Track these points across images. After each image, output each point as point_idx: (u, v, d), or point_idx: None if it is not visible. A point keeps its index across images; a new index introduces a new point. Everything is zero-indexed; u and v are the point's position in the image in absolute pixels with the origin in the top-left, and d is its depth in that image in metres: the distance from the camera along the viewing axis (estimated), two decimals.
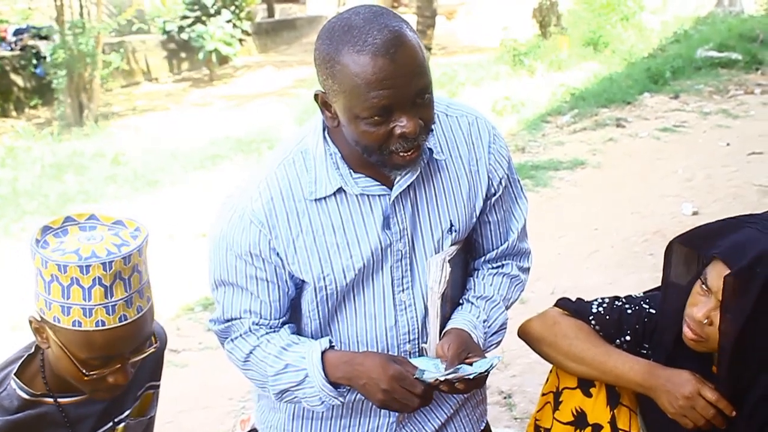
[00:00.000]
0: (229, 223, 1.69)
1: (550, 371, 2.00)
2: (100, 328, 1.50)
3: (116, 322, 1.51)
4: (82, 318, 1.49)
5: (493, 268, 1.89)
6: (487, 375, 1.63)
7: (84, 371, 1.55)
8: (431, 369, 1.62)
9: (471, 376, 1.58)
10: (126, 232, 1.59)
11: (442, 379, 1.58)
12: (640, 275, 4.69)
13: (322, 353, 1.67)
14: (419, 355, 1.77)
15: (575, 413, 1.89)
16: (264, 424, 1.98)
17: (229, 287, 1.74)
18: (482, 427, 2.04)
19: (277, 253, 1.66)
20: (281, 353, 1.71)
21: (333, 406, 1.81)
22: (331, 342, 1.72)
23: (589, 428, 1.88)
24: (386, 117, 1.50)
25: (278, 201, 1.65)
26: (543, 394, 2.01)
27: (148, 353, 1.64)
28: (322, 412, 1.84)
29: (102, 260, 1.48)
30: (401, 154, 1.54)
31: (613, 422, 1.87)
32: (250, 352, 1.75)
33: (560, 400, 1.92)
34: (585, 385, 1.90)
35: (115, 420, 1.79)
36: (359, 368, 1.63)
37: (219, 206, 1.75)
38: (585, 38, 13.94)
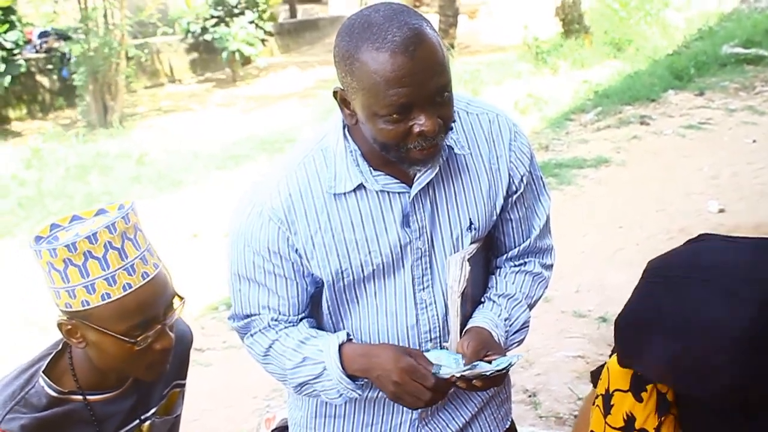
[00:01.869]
0: (248, 219, 1.68)
1: (594, 375, 1.96)
2: (129, 291, 1.55)
3: (141, 280, 1.56)
4: (109, 288, 1.53)
5: (515, 266, 1.87)
6: (505, 373, 1.62)
7: (131, 340, 1.57)
8: (451, 364, 1.61)
9: (488, 373, 1.57)
10: (111, 214, 1.62)
11: (458, 375, 1.57)
12: None
13: (340, 346, 1.67)
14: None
15: (626, 418, 1.86)
16: (291, 421, 1.99)
17: (246, 282, 1.74)
18: (507, 426, 2.02)
19: (296, 250, 1.66)
20: (299, 346, 1.71)
21: (354, 403, 1.81)
22: (348, 335, 1.71)
23: None
24: (405, 115, 1.49)
25: (297, 197, 1.65)
26: (593, 402, 1.97)
27: (180, 310, 1.67)
28: (344, 410, 1.84)
29: (105, 224, 1.52)
30: (419, 149, 1.53)
31: (658, 429, 1.84)
32: (269, 347, 1.75)
33: (611, 403, 1.88)
34: (637, 389, 1.86)
35: (142, 418, 1.80)
36: (374, 360, 1.63)
37: (237, 201, 1.76)
38: (608, 38, 13.83)
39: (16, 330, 5.31)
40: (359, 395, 1.71)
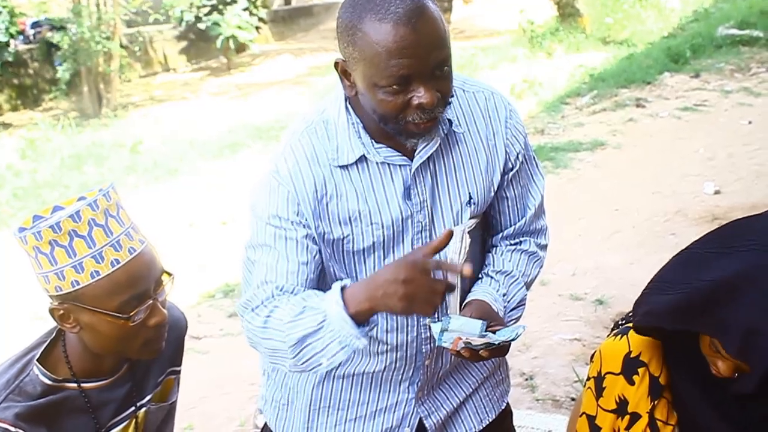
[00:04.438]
0: (261, 189, 1.70)
1: (592, 358, 1.95)
2: (117, 266, 1.55)
3: (128, 255, 1.57)
4: (97, 266, 1.53)
5: (511, 244, 1.88)
6: (509, 344, 1.62)
7: (125, 316, 1.57)
8: (459, 327, 1.58)
9: (496, 343, 1.56)
10: (92, 196, 1.59)
11: (464, 340, 1.55)
12: (661, 255, 4.63)
13: (342, 288, 1.56)
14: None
15: (618, 401, 1.86)
16: (264, 398, 1.97)
17: (259, 249, 1.70)
18: (503, 407, 2.03)
19: (304, 216, 1.67)
20: (300, 302, 1.62)
21: (351, 381, 1.81)
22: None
23: (628, 417, 1.85)
24: (405, 87, 1.50)
25: (304, 164, 1.66)
26: (584, 384, 1.97)
27: (170, 286, 1.67)
28: (341, 386, 1.83)
29: (87, 202, 1.53)
30: (417, 122, 1.54)
31: (651, 412, 1.84)
32: (270, 314, 1.65)
33: (603, 386, 1.88)
34: (628, 371, 1.85)
35: (137, 405, 1.80)
36: (376, 279, 1.53)
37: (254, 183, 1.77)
38: (603, 22, 13.80)
39: (11, 320, 5.31)
40: (363, 345, 1.57)
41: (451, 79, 1.57)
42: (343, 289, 1.57)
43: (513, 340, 1.59)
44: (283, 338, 1.62)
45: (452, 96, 1.61)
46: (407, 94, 1.51)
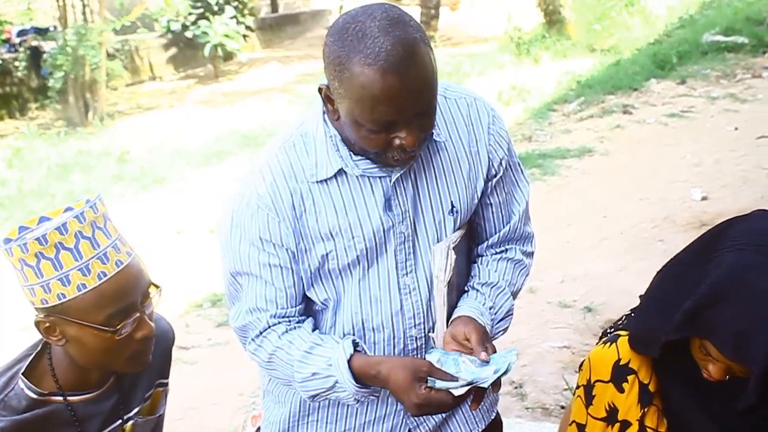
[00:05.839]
0: (238, 212, 1.69)
1: (582, 366, 1.94)
2: (104, 279, 1.53)
3: (115, 268, 1.55)
4: (84, 278, 1.52)
5: (496, 253, 1.88)
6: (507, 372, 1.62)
7: (111, 329, 1.55)
8: (450, 365, 1.60)
9: (485, 384, 1.56)
10: (79, 208, 1.58)
11: (455, 393, 1.57)
12: (649, 261, 4.67)
13: (349, 362, 1.66)
14: (425, 343, 1.76)
15: (608, 409, 1.86)
16: (267, 421, 1.97)
17: (245, 278, 1.73)
18: (493, 417, 2.02)
19: (286, 235, 1.67)
20: (306, 358, 1.70)
21: None
22: (355, 342, 1.69)
23: (618, 425, 1.85)
24: (388, 130, 1.51)
25: (281, 182, 1.66)
26: (574, 393, 1.96)
27: (157, 298, 1.66)
28: (328, 401, 1.83)
29: (74, 214, 1.52)
30: (396, 158, 1.56)
31: (641, 420, 1.83)
32: (273, 354, 1.74)
33: (593, 394, 1.88)
34: (618, 379, 1.85)
35: (124, 418, 1.78)
36: (390, 386, 1.63)
37: (225, 199, 1.75)
38: (590, 28, 13.86)
39: None
40: (377, 396, 1.73)
41: (434, 117, 1.57)
42: (350, 360, 1.65)
43: (507, 371, 1.59)
44: (291, 378, 1.74)
45: (432, 130, 1.62)
46: (389, 134, 1.52)
